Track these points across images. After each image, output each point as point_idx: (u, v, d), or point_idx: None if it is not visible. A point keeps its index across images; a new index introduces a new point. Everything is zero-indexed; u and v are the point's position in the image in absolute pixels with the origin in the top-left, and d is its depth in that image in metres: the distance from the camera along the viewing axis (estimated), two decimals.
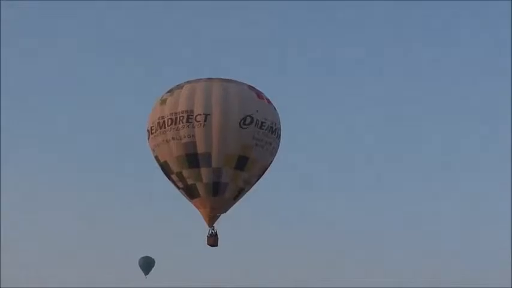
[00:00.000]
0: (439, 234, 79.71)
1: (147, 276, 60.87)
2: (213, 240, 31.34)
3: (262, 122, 30.56)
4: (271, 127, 31.02)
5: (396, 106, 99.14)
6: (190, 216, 32.28)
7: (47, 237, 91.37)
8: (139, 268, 60.53)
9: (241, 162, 30.45)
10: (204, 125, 29.87)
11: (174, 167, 30.83)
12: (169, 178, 31.50)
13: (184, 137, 30.10)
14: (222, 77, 31.37)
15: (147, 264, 60.45)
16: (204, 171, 30.45)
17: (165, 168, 31.23)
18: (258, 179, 31.77)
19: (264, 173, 31.81)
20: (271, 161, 31.80)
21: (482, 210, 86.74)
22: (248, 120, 30.23)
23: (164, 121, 30.48)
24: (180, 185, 31.23)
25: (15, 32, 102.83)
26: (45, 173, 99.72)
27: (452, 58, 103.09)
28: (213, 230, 31.43)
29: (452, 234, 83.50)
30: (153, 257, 60.86)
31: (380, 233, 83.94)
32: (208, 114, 29.90)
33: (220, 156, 30.16)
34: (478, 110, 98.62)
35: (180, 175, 30.89)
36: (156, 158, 31.32)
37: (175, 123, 30.19)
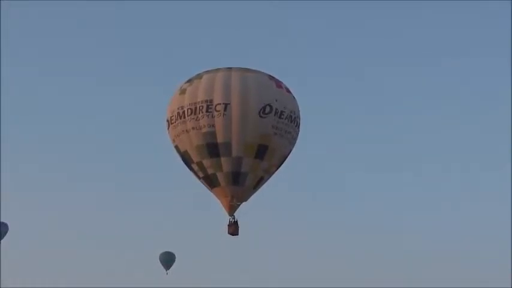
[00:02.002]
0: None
1: (168, 271, 61.05)
2: (233, 229, 31.39)
3: (281, 111, 30.56)
4: (291, 116, 31.01)
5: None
6: (210, 205, 32.39)
7: (65, 233, 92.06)
8: (160, 263, 60.72)
9: (261, 151, 30.47)
10: (223, 114, 29.90)
11: (195, 156, 30.90)
12: (190, 168, 31.57)
13: (204, 126, 30.15)
14: (241, 67, 31.36)
15: (167, 260, 60.55)
16: (224, 161, 30.51)
17: (186, 158, 31.31)
18: (278, 168, 31.76)
19: (283, 162, 31.79)
20: (291, 150, 31.79)
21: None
22: (267, 109, 30.23)
23: (184, 111, 30.53)
24: (201, 174, 31.29)
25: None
26: (61, 166, 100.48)
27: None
28: (234, 219, 31.53)
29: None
30: (173, 252, 61.02)
31: (399, 225, 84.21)
32: (228, 104, 29.94)
33: (240, 146, 30.19)
34: None
35: (200, 165, 30.97)
36: (176, 148, 31.40)
37: (195, 113, 30.24)
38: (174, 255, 60.85)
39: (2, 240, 64.59)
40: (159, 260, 60.51)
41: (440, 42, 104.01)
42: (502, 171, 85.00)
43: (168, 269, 60.50)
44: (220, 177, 30.86)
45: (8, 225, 65.47)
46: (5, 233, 65.30)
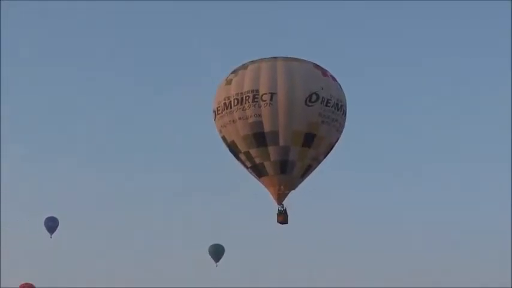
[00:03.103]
0: None
1: (217, 264, 61.36)
2: (282, 217, 31.53)
3: (327, 99, 30.53)
4: (337, 104, 30.98)
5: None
6: (259, 195, 32.55)
7: (116, 225, 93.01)
8: (209, 256, 61.04)
9: (308, 140, 30.50)
10: (270, 103, 29.97)
11: (242, 146, 31.07)
12: (237, 158, 31.77)
13: (251, 116, 30.27)
14: (286, 56, 31.39)
15: (217, 252, 60.83)
16: (271, 150, 30.60)
17: (233, 148, 31.49)
18: (325, 156, 31.80)
19: (331, 150, 31.82)
20: (338, 138, 31.79)
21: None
22: (314, 97, 30.22)
23: (230, 101, 30.68)
24: (248, 164, 31.47)
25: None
26: (106, 156, 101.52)
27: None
28: (282, 207, 31.64)
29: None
30: (222, 245, 61.28)
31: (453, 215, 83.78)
32: (274, 93, 30.00)
33: (287, 134, 30.25)
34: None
35: (247, 154, 31.13)
36: (223, 138, 31.60)
37: (241, 103, 30.38)
38: (223, 247, 61.17)
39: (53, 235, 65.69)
40: (208, 253, 60.89)
41: (440, 42, 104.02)
42: (502, 171, 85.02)
43: (218, 261, 60.85)
44: (268, 166, 30.99)
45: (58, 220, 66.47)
46: (55, 227, 66.30)
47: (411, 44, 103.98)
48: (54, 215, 66.53)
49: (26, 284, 68.08)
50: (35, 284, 68.41)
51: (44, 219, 65.82)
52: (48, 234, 65.99)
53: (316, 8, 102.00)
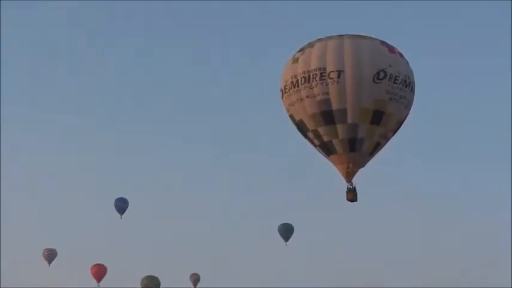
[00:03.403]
0: None
1: (287, 243, 61.60)
2: (352, 195, 31.46)
3: (395, 76, 30.26)
4: (405, 81, 30.69)
5: None
6: (328, 173, 32.56)
7: (179, 206, 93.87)
8: (279, 235, 61.29)
9: (377, 117, 30.31)
10: (337, 81, 29.84)
11: (310, 124, 31.03)
12: (305, 136, 31.75)
13: (319, 94, 30.17)
14: (352, 34, 31.17)
15: (286, 231, 61.03)
16: (339, 128, 30.51)
17: (301, 126, 31.48)
18: (394, 134, 31.59)
19: (399, 127, 31.57)
20: (407, 115, 31.51)
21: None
22: (381, 74, 29.98)
23: (297, 80, 30.64)
24: (317, 142, 31.43)
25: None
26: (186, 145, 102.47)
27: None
28: (352, 185, 31.58)
29: None
30: (291, 224, 61.49)
31: None
32: (341, 71, 29.85)
33: (356, 112, 30.11)
34: None
35: (316, 133, 31.08)
36: (291, 116, 31.61)
37: (309, 82, 30.28)
38: (292, 226, 61.37)
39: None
40: (278, 232, 61.15)
41: (439, 42, 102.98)
42: (502, 171, 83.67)
43: (288, 240, 61.08)
44: (336, 144, 30.92)
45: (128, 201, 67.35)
46: (126, 208, 67.20)
47: (411, 43, 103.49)
48: (125, 196, 67.65)
49: (97, 264, 69.28)
50: (105, 264, 69.74)
51: (114, 200, 66.90)
52: (118, 215, 67.11)
53: None
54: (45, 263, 69.75)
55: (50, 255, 69.64)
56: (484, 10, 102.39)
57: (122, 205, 66.44)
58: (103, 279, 68.81)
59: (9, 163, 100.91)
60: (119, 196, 67.18)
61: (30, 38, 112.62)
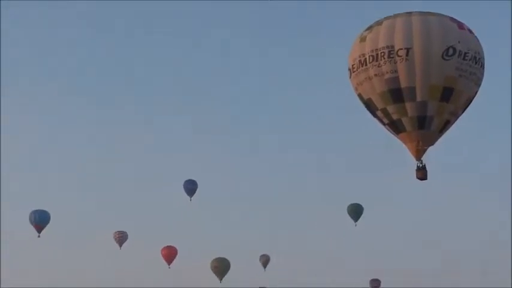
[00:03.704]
0: None
1: (356, 223, 61.53)
2: (422, 173, 31.27)
3: (465, 53, 29.88)
4: (475, 57, 30.28)
5: None
6: (397, 151, 32.44)
7: (246, 190, 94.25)
8: (348, 215, 61.26)
9: (446, 94, 30.02)
10: (405, 59, 29.61)
11: (378, 103, 30.89)
12: (374, 115, 31.65)
13: (387, 72, 29.98)
14: (421, 11, 30.86)
15: (356, 211, 60.95)
16: (408, 106, 30.32)
17: (369, 105, 31.37)
18: (464, 111, 31.27)
19: (469, 104, 31.24)
20: (476, 92, 31.13)
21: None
22: (451, 51, 29.65)
23: (365, 58, 30.51)
24: (385, 121, 31.30)
25: None
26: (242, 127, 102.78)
27: None
28: (421, 163, 31.40)
29: None
30: (361, 204, 61.38)
31: None
32: (410, 48, 29.61)
33: (424, 90, 29.87)
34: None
35: (384, 111, 30.94)
36: (360, 95, 31.53)
37: (377, 60, 30.11)
38: (362, 206, 61.26)
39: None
40: (347, 212, 61.12)
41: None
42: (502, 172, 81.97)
43: (357, 220, 61.01)
44: (405, 122, 30.76)
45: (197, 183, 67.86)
46: (195, 190, 67.76)
47: None
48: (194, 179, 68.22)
49: (168, 247, 70.07)
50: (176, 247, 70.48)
51: (183, 182, 67.54)
52: (187, 197, 67.75)
53: None
54: (116, 245, 70.82)
55: (121, 238, 70.66)
56: (484, 10, 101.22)
57: (191, 187, 67.03)
58: (173, 262, 69.58)
59: (83, 148, 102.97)
60: (188, 178, 67.86)
61: None
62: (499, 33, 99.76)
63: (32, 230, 63.28)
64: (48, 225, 63.46)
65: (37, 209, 63.68)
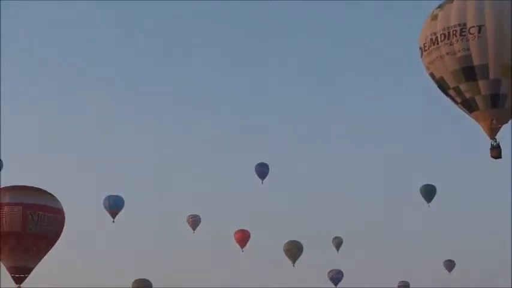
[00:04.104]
0: None
1: (429, 204, 61.07)
2: (496, 152, 30.89)
3: None
4: None
5: None
6: (471, 130, 32.15)
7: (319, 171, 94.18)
8: (421, 196, 60.85)
9: None
10: (478, 37, 29.24)
11: (451, 82, 30.57)
12: (446, 94, 31.33)
13: (459, 51, 29.65)
14: None
15: (428, 192, 60.50)
16: (481, 84, 29.93)
17: (441, 84, 31.06)
18: None
19: None
20: None
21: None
22: None
23: (437, 37, 30.22)
24: (458, 99, 30.97)
25: None
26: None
27: None
28: (495, 142, 31.03)
29: None
30: (434, 185, 60.89)
31: None
32: (482, 26, 29.22)
33: (497, 67, 29.44)
34: None
35: (457, 89, 30.60)
36: (431, 74, 31.26)
37: (449, 38, 29.79)
38: (435, 187, 60.78)
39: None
40: (420, 193, 60.70)
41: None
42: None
43: (430, 201, 60.56)
44: (478, 100, 30.40)
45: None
46: (266, 173, 67.98)
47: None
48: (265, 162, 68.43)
49: (241, 230, 70.50)
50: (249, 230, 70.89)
51: (255, 165, 67.81)
52: (259, 180, 68.01)
53: None
54: (190, 229, 71.51)
55: (194, 222, 71.31)
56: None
57: (262, 170, 67.24)
58: (246, 245, 69.98)
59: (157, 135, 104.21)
60: (260, 161, 68.09)
61: None
62: None
63: (107, 215, 64.20)
64: (122, 211, 64.30)
65: (111, 194, 64.54)
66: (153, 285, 57.84)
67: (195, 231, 71.49)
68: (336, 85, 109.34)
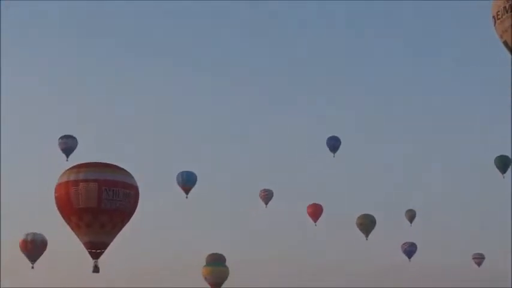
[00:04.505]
0: None
1: (504, 175, 60.26)
2: None
3: None
4: None
5: None
6: None
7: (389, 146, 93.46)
8: (495, 167, 60.08)
9: None
10: None
11: None
12: None
13: None
14: None
15: (503, 163, 59.71)
16: None
17: None
18: None
19: None
20: None
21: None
22: None
23: (510, 4, 29.77)
24: None
25: None
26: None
27: None
28: None
29: None
30: (508, 156, 60.03)
31: None
32: None
33: None
34: None
35: None
36: (505, 43, 30.79)
37: None
38: (510, 158, 59.91)
39: None
40: (495, 164, 59.93)
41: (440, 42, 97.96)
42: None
43: (505, 172, 59.74)
44: None
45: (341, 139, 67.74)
46: (338, 146, 67.77)
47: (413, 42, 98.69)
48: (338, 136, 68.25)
49: (314, 204, 70.51)
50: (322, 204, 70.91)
51: (327, 139, 67.65)
52: (331, 153, 67.85)
53: None
54: (262, 203, 71.74)
55: (267, 196, 71.50)
56: (484, 10, 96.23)
57: (334, 143, 67.05)
58: (319, 219, 70.00)
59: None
60: (332, 135, 67.92)
61: None
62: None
63: (180, 191, 64.66)
64: (195, 186, 64.70)
65: (184, 170, 64.96)
66: (227, 260, 58.15)
67: (268, 205, 71.71)
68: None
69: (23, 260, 54.00)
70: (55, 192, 34.51)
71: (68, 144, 60.15)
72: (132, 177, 34.79)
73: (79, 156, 55.56)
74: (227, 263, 58.09)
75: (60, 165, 36.03)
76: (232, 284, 58.21)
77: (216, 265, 57.39)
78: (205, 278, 57.20)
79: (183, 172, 64.48)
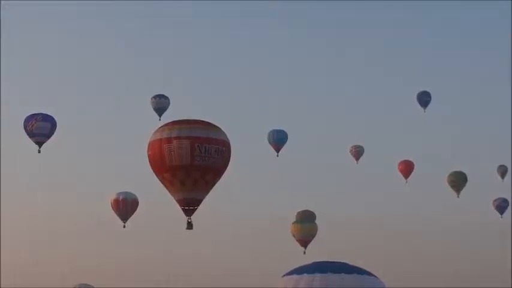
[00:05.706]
0: None
1: None
2: None
3: None
4: None
5: None
6: None
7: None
8: None
9: None
10: None
11: None
12: None
13: None
14: None
15: None
16: None
17: None
18: None
19: None
20: None
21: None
22: None
23: None
24: None
25: None
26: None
27: None
28: None
29: None
30: None
31: None
32: None
33: None
34: None
35: None
36: None
37: None
38: None
39: None
40: None
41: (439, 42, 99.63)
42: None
43: None
44: None
45: None
46: (428, 102, 66.97)
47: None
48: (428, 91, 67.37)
49: (405, 161, 70.08)
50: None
51: (417, 93, 66.95)
52: (421, 108, 67.12)
53: None
54: (353, 159, 71.71)
55: (358, 152, 71.43)
56: (484, 10, 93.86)
57: (424, 98, 66.35)
58: (410, 176, 69.62)
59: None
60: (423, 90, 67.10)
61: None
62: (499, 33, 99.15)
63: (271, 149, 65.04)
64: (286, 144, 64.95)
65: (275, 128, 65.20)
66: (317, 216, 58.40)
67: (358, 161, 71.65)
68: None
69: (115, 219, 55.06)
70: (148, 151, 34.87)
71: (161, 104, 61.05)
72: (224, 133, 34.79)
73: (171, 116, 56.23)
74: (317, 221, 58.24)
75: (152, 125, 36.33)
76: (321, 242, 58.45)
77: (305, 222, 57.60)
78: (294, 235, 57.43)
79: (274, 130, 64.73)
